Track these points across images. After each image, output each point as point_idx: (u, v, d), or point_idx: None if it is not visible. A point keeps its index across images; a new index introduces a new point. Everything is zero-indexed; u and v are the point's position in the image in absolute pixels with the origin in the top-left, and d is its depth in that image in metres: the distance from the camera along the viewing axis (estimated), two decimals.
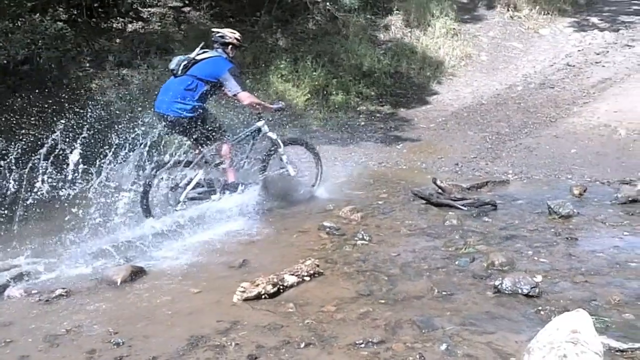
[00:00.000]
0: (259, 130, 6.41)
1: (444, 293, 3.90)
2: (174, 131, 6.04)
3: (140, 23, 10.60)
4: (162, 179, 5.83)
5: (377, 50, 11.65)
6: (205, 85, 5.86)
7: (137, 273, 4.44)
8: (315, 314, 3.70)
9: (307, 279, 4.20)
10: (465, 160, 7.79)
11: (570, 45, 12.75)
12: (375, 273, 4.33)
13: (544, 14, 13.92)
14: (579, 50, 12.33)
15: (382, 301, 3.84)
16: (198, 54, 5.95)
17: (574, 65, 11.56)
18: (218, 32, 6.15)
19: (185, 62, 5.90)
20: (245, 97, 6.01)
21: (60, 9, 9.41)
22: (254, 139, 6.43)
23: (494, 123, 9.38)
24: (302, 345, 3.29)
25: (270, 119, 7.31)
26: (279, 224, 5.72)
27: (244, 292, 3.92)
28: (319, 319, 3.62)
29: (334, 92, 10.17)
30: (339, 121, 9.58)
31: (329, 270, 4.39)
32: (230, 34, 6.14)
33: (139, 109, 8.53)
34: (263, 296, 3.92)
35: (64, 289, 4.23)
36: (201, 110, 5.88)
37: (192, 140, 6.05)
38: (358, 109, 10.07)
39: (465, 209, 5.67)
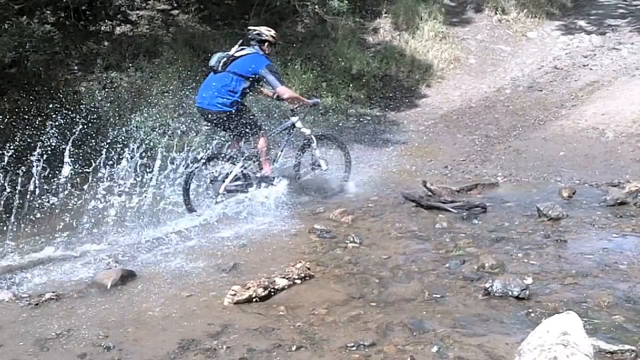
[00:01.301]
0: (294, 125, 6.69)
1: (434, 295, 3.91)
2: (214, 125, 6.39)
3: (128, 26, 10.55)
4: (202, 172, 6.14)
5: (366, 53, 11.67)
6: (244, 81, 6.10)
7: (128, 277, 4.42)
8: (306, 316, 3.71)
9: (298, 281, 4.20)
10: (455, 162, 7.82)
11: (557, 48, 12.83)
12: (366, 276, 4.33)
13: (531, 17, 13.99)
14: (566, 54, 12.41)
15: (373, 304, 3.85)
16: (237, 51, 6.20)
17: (561, 68, 11.63)
18: (255, 30, 6.38)
19: (225, 59, 6.16)
20: (285, 91, 6.31)
21: (48, 12, 9.35)
22: (289, 134, 6.75)
23: (483, 126, 9.42)
24: (294, 348, 3.29)
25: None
26: (269, 227, 5.71)
27: (234, 295, 3.92)
28: (310, 322, 3.62)
29: (324, 95, 10.17)
30: (329, 124, 9.58)
31: (320, 273, 4.40)
32: (267, 32, 6.36)
33: (128, 111, 8.51)
34: (254, 299, 3.92)
35: (53, 292, 4.20)
36: (240, 105, 6.13)
37: (230, 134, 6.37)
38: (347, 111, 10.07)
39: (455, 211, 5.68)
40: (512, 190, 6.52)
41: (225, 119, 6.11)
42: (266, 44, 6.32)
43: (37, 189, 5.32)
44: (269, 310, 3.82)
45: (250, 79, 6.13)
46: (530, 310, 3.59)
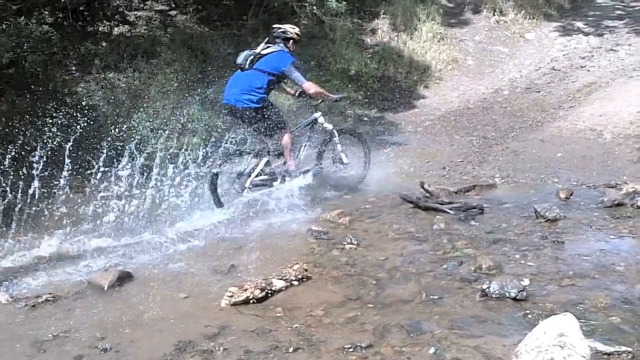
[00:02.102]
0: (316, 121, 6.87)
1: (432, 297, 3.91)
2: (241, 121, 6.49)
3: (126, 26, 10.52)
4: (228, 167, 6.38)
5: (364, 54, 11.67)
6: (270, 78, 6.29)
7: (124, 278, 4.43)
8: (303, 318, 3.71)
9: (296, 283, 4.20)
10: (453, 164, 7.82)
11: (555, 49, 12.83)
12: (364, 277, 4.33)
13: (529, 19, 14.00)
14: (564, 55, 12.42)
15: (371, 305, 3.85)
16: (263, 49, 6.40)
17: (559, 70, 11.64)
18: (280, 28, 6.56)
19: (252, 57, 6.36)
20: (310, 87, 6.53)
21: (46, 12, 9.32)
22: (312, 129, 6.91)
23: (481, 127, 9.43)
24: (291, 349, 3.29)
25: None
26: (266, 229, 5.71)
27: (232, 296, 3.92)
28: (308, 324, 3.62)
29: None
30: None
31: (317, 275, 4.39)
32: (291, 30, 6.57)
33: (125, 112, 8.50)
34: (251, 301, 3.92)
35: (50, 294, 4.20)
36: (266, 102, 6.32)
37: (256, 130, 6.48)
38: (345, 112, 10.06)
39: (453, 212, 5.68)
40: (510, 191, 6.52)
41: (251, 115, 6.28)
42: (291, 41, 6.53)
43: (36, 190, 5.33)
44: (266, 311, 3.82)
45: (276, 76, 6.34)
46: (528, 311, 3.59)
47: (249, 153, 6.54)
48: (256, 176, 6.39)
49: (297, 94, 7.00)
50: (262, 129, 6.41)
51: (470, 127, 9.53)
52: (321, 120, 6.88)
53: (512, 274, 4.12)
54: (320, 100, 6.83)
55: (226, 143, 6.51)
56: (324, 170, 6.89)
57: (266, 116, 6.31)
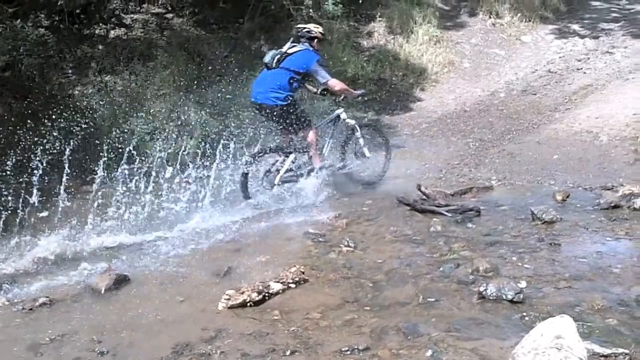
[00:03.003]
0: (339, 117, 7.12)
1: (428, 299, 3.90)
2: (268, 119, 6.76)
3: (122, 29, 10.52)
4: (258, 164, 6.62)
5: (361, 57, 11.69)
6: (296, 76, 6.53)
7: (122, 281, 4.41)
8: (300, 321, 3.70)
9: (293, 286, 4.19)
10: (449, 166, 7.83)
11: (551, 52, 12.87)
12: (361, 280, 4.33)
13: (525, 21, 14.04)
14: (560, 57, 12.45)
15: (368, 308, 3.84)
16: (289, 48, 6.62)
17: (555, 72, 11.67)
18: (305, 28, 6.82)
19: (278, 56, 6.59)
20: (336, 84, 6.78)
21: (42, 15, 9.31)
22: (334, 125, 7.16)
23: (477, 129, 9.45)
24: (288, 352, 3.28)
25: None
26: (263, 231, 5.71)
27: (229, 299, 3.91)
28: (305, 326, 3.62)
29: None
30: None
31: (314, 277, 4.38)
32: (315, 29, 6.80)
33: (122, 115, 8.50)
34: (248, 304, 3.91)
35: (47, 297, 4.19)
36: (292, 99, 6.56)
37: (283, 127, 6.73)
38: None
39: (450, 215, 5.68)
40: (506, 193, 6.53)
41: (279, 112, 6.51)
42: (315, 40, 6.74)
43: (33, 193, 5.33)
44: (263, 314, 3.81)
45: (302, 74, 6.57)
46: (525, 313, 3.59)
47: (277, 151, 6.75)
48: (284, 173, 6.62)
49: (319, 92, 7.14)
50: (289, 126, 6.64)
51: (466, 129, 9.55)
52: (343, 116, 7.11)
53: (509, 276, 4.12)
54: (342, 97, 7.11)
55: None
56: (347, 165, 7.10)
57: (292, 113, 6.54)
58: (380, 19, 12.88)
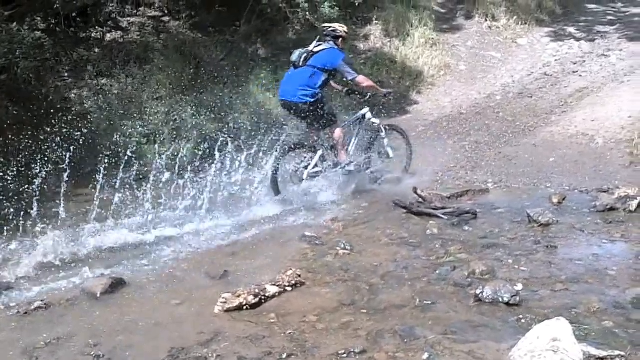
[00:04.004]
0: (364, 116, 7.32)
1: (425, 302, 3.90)
2: (297, 116, 7.03)
3: (119, 32, 10.52)
4: (286, 161, 6.81)
5: (357, 59, 11.69)
6: (323, 74, 6.70)
7: (118, 284, 4.39)
8: (297, 324, 3.69)
9: (289, 289, 4.19)
10: (445, 169, 7.84)
11: (547, 54, 12.90)
12: (357, 283, 4.33)
13: (521, 24, 14.07)
14: (556, 60, 12.48)
15: (364, 311, 3.84)
16: (315, 47, 6.79)
17: (551, 75, 11.69)
18: (330, 27, 6.98)
19: (305, 55, 6.77)
20: (363, 80, 6.96)
21: (39, 18, 9.31)
22: (360, 124, 7.35)
23: (474, 132, 9.45)
24: (284, 355, 3.28)
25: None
26: (259, 234, 5.70)
27: (225, 303, 3.90)
28: (301, 329, 3.61)
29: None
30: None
31: (311, 280, 4.38)
32: (340, 28, 6.98)
33: (118, 118, 8.49)
34: (244, 307, 3.91)
35: (42, 301, 4.17)
36: (320, 97, 6.72)
37: (310, 124, 6.98)
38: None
39: (446, 218, 5.69)
40: (503, 196, 6.54)
41: (306, 109, 6.69)
42: (340, 39, 6.93)
43: (33, 196, 5.32)
44: (259, 317, 3.81)
45: (328, 72, 6.74)
46: (521, 316, 3.60)
47: (305, 147, 6.95)
48: (312, 169, 6.82)
49: (345, 91, 7.42)
50: (316, 123, 6.87)
51: (463, 132, 9.56)
52: (368, 115, 7.31)
53: (505, 278, 4.13)
54: (369, 95, 7.28)
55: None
56: (371, 163, 7.34)
57: (319, 111, 6.73)
58: (377, 22, 12.90)
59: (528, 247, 4.83)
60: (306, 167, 6.80)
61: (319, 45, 6.81)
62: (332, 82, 7.13)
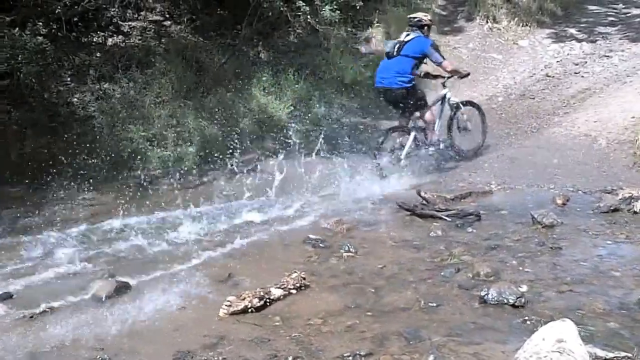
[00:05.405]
0: (445, 96, 7.95)
1: (430, 304, 3.91)
2: (393, 101, 7.76)
3: (120, 37, 10.49)
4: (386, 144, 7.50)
5: (359, 62, 11.67)
6: (414, 60, 7.41)
7: (122, 288, 4.41)
8: (302, 327, 3.70)
9: (294, 291, 4.19)
10: (448, 171, 7.83)
11: (549, 56, 12.87)
12: (362, 285, 4.33)
13: (522, 26, 14.04)
14: (557, 61, 12.45)
15: (369, 313, 3.85)
16: (405, 37, 7.52)
17: (553, 76, 11.66)
18: (415, 17, 7.67)
19: (398, 45, 7.50)
20: (448, 65, 7.70)
21: (40, 24, 9.28)
22: (442, 104, 7.96)
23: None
24: (290, 358, 3.30)
25: None
26: (264, 237, 5.70)
27: (230, 306, 3.91)
28: (306, 332, 3.62)
29: (317, 105, 10.15)
30: (322, 133, 9.57)
31: (316, 283, 4.39)
32: (424, 17, 7.73)
33: (121, 122, 8.50)
34: (249, 310, 3.91)
35: (48, 304, 4.18)
36: (414, 82, 7.46)
37: (406, 108, 7.64)
38: (341, 120, 10.05)
39: (450, 219, 5.69)
40: (506, 198, 6.52)
41: (404, 94, 7.41)
42: (425, 27, 7.63)
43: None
44: (264, 320, 3.81)
45: (419, 58, 7.46)
46: (526, 318, 3.60)
47: (400, 130, 7.65)
48: (408, 149, 7.51)
49: (422, 75, 7.86)
50: (411, 107, 7.55)
51: None
52: (449, 95, 7.97)
53: (509, 280, 4.13)
54: (448, 77, 7.88)
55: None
56: (454, 139, 7.98)
57: (415, 95, 7.48)
58: (378, 24, 12.87)
59: (532, 248, 4.83)
60: (402, 147, 7.50)
61: (408, 35, 7.49)
62: (414, 70, 7.61)
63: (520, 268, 4.43)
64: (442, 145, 7.81)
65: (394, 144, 7.59)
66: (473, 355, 3.17)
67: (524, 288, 3.99)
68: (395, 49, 7.47)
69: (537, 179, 7.10)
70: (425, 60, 7.67)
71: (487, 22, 13.99)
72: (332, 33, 11.79)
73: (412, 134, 7.61)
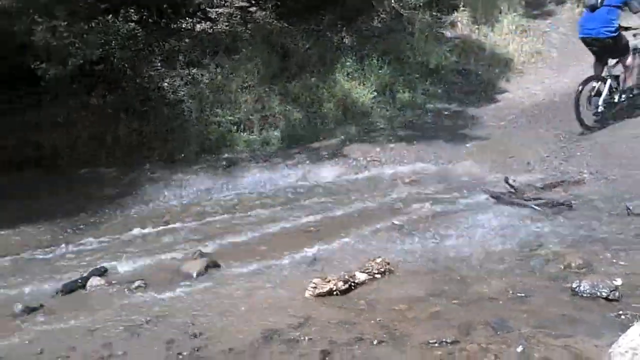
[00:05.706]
0: (637, 47, 8.19)
1: (519, 294, 3.82)
2: (598, 50, 8.02)
3: (208, 23, 10.74)
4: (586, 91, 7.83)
5: (444, 47, 11.47)
6: (617, 10, 7.75)
7: (212, 267, 4.56)
8: (386, 311, 3.70)
9: (378, 276, 4.20)
10: (538, 159, 7.56)
11: None
12: (447, 272, 4.29)
13: None
14: None
15: (455, 301, 3.80)
16: None
17: None
18: None
19: None
20: None
21: (132, 10, 9.61)
22: (636, 53, 8.18)
23: (567, 121, 9.03)
24: (375, 342, 3.30)
25: None
26: (347, 220, 5.71)
27: (315, 288, 3.95)
28: (391, 317, 3.61)
29: (400, 90, 10.06)
30: (406, 119, 9.49)
31: (399, 269, 4.37)
32: None
33: (209, 106, 8.73)
34: (334, 292, 3.95)
35: (142, 280, 4.37)
36: (619, 30, 7.76)
37: (612, 55, 8.05)
38: (425, 106, 9.94)
39: (539, 209, 5.52)
40: (599, 187, 6.24)
41: (611, 42, 7.75)
42: None
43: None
44: (349, 303, 3.84)
45: (620, 7, 7.76)
46: (621, 312, 3.47)
47: (597, 79, 7.98)
48: (605, 96, 7.89)
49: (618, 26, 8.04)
50: (616, 53, 7.95)
51: (555, 121, 9.18)
52: None
53: (603, 272, 3.98)
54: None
55: None
56: None
57: (620, 42, 7.81)
58: (464, 8, 12.59)
59: (627, 240, 4.63)
60: (599, 95, 7.86)
61: None
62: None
63: (615, 260, 4.25)
64: (635, 91, 8.16)
65: (591, 92, 7.87)
66: (564, 348, 3.08)
67: (618, 281, 3.83)
68: (599, 1, 7.73)
69: (633, 169, 6.77)
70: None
71: (578, 5, 13.40)
72: (416, 17, 11.64)
73: (608, 82, 7.95)
